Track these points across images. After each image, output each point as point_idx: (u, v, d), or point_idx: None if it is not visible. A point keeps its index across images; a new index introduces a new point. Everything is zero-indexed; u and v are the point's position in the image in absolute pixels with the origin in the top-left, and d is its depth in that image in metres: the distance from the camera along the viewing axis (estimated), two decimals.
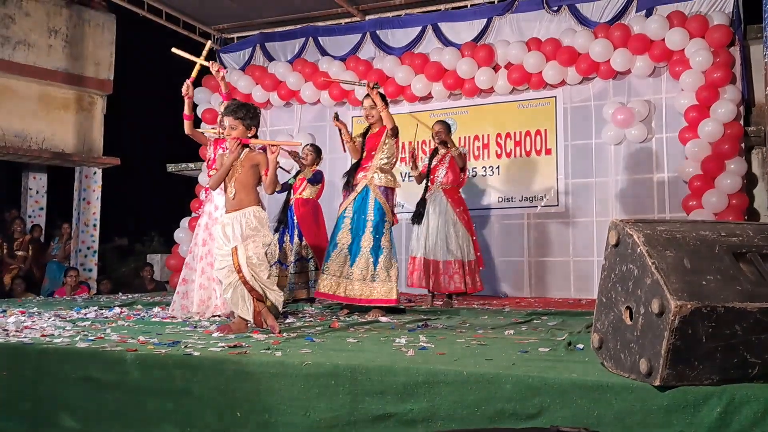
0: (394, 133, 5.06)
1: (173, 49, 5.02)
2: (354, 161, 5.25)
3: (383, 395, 2.46)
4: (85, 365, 3.02)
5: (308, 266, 6.10)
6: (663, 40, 7.14)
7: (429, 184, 6.07)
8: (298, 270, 6.06)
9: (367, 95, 5.13)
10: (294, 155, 6.15)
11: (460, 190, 6.25)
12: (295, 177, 6.29)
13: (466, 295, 6.30)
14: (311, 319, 4.70)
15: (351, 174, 5.16)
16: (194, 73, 5.00)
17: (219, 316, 4.74)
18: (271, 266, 5.79)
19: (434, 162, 6.12)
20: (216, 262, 3.93)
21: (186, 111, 5.02)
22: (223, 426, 2.68)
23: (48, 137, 9.48)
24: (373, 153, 5.10)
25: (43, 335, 3.57)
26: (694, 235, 2.28)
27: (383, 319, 4.66)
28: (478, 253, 6.17)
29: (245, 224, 3.83)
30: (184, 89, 4.97)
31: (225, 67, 9.38)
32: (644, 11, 7.49)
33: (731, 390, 2.07)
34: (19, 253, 9.66)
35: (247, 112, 3.92)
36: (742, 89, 7.00)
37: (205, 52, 5.00)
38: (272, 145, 3.92)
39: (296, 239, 6.07)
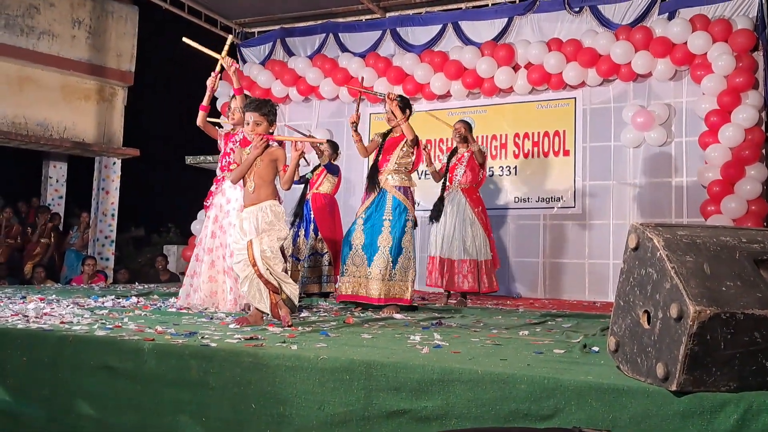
0: (413, 144, 5.08)
1: (184, 39, 5.03)
2: (372, 163, 5.24)
3: (398, 392, 2.47)
4: (103, 353, 3.04)
5: (322, 261, 6.13)
6: (685, 43, 7.08)
7: (447, 183, 6.07)
8: (312, 264, 6.09)
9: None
10: (317, 149, 6.21)
11: (479, 189, 6.24)
12: (312, 171, 6.32)
13: (480, 294, 6.29)
14: (326, 314, 4.72)
15: (373, 176, 5.15)
16: (218, 68, 5.03)
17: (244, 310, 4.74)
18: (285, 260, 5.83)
19: (453, 161, 6.12)
20: (234, 255, 3.96)
21: (204, 102, 5.05)
22: (237, 418, 2.70)
23: (69, 127, 9.58)
24: (389, 156, 5.11)
25: (62, 322, 3.61)
26: (714, 241, 2.27)
27: (398, 316, 4.67)
28: (494, 253, 6.16)
29: (261, 218, 3.88)
30: (210, 81, 5.00)
31: (245, 61, 9.44)
32: (667, 14, 7.44)
33: (749, 397, 2.05)
34: (42, 240, 9.80)
35: (270, 109, 3.97)
36: (764, 94, 6.93)
37: (226, 48, 5.01)
38: (297, 142, 3.95)
39: (311, 233, 6.11)
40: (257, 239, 3.83)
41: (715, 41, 6.96)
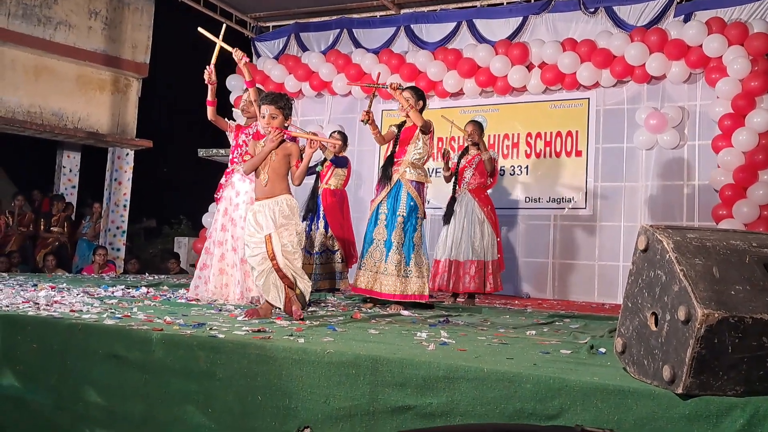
0: (425, 130, 5.05)
1: (199, 29, 5.04)
2: (388, 154, 5.22)
3: (403, 387, 2.48)
4: (112, 342, 3.07)
5: (334, 258, 6.12)
6: (700, 46, 7.03)
7: (457, 185, 6.06)
8: (323, 261, 6.09)
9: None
10: (321, 146, 6.19)
11: (488, 190, 6.23)
12: (322, 164, 6.32)
13: (486, 294, 6.28)
14: (333, 309, 4.74)
15: (387, 168, 5.14)
16: (214, 58, 5.01)
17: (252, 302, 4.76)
18: None
19: (463, 162, 6.10)
20: (247, 249, 3.93)
21: (209, 97, 5.06)
22: (243, 409, 2.72)
23: (83, 117, 9.64)
24: (406, 147, 5.09)
25: (72, 310, 3.64)
26: (724, 244, 2.26)
27: (405, 312, 4.67)
28: (500, 255, 6.15)
29: (278, 212, 3.87)
30: (206, 76, 5.00)
31: (259, 55, 9.46)
32: (683, 16, 7.39)
33: (755, 402, 2.04)
34: (55, 229, 9.88)
35: (286, 102, 3.98)
36: None
37: (222, 34, 4.97)
38: (312, 140, 3.96)
39: (321, 229, 6.10)
40: (276, 233, 3.83)
41: (730, 44, 6.90)
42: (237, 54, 4.89)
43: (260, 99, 4.14)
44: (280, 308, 3.87)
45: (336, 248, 6.09)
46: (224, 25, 5.12)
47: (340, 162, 6.21)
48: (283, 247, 3.81)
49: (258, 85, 5.23)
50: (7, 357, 3.32)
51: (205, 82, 5.02)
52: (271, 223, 3.84)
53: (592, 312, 5.60)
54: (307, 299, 3.97)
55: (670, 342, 2.14)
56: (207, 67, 4.99)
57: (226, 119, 5.33)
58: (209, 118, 5.12)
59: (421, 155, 5.09)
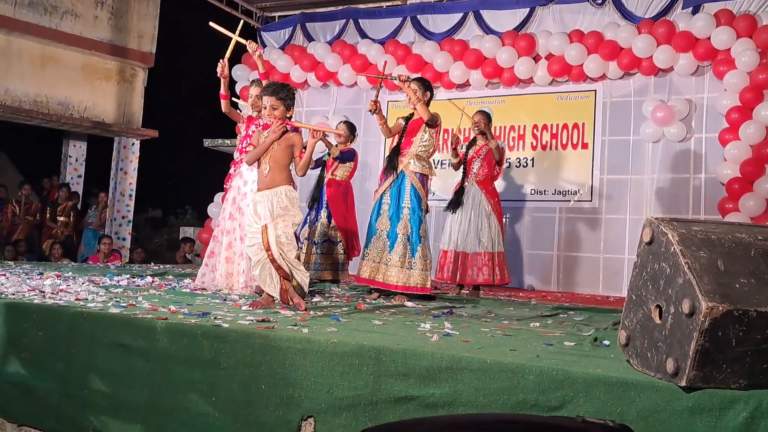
0: (431, 124, 5.05)
1: (211, 23, 5.06)
2: (394, 144, 5.22)
3: (406, 378, 2.48)
4: (117, 330, 3.09)
5: (336, 249, 6.12)
6: (708, 38, 6.99)
7: (465, 175, 6.05)
8: (325, 251, 6.09)
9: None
10: (325, 140, 6.18)
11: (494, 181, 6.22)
12: (328, 154, 6.30)
13: (494, 286, 6.29)
14: (338, 299, 4.74)
15: (393, 158, 5.14)
16: (229, 52, 5.03)
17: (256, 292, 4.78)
18: (300, 246, 5.85)
19: (471, 153, 6.09)
20: (246, 239, 3.99)
21: (222, 91, 5.09)
22: (247, 398, 2.73)
23: (89, 106, 9.64)
24: (412, 139, 5.09)
25: (77, 299, 3.66)
26: (729, 237, 2.25)
27: (409, 303, 4.68)
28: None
29: (276, 203, 3.89)
30: (219, 69, 5.02)
31: (265, 46, 9.45)
32: (691, 8, 7.33)
33: (759, 395, 2.04)
34: (61, 218, 9.93)
35: (288, 93, 3.98)
36: None
37: (239, 30, 5.01)
38: (315, 130, 3.97)
39: (324, 219, 6.10)
40: (272, 224, 3.85)
41: (739, 37, 6.86)
42: (251, 46, 4.93)
43: (261, 90, 4.14)
44: (278, 298, 3.89)
45: (338, 239, 6.09)
46: (241, 21, 5.14)
47: (346, 157, 6.19)
48: (277, 238, 3.83)
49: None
50: (13, 344, 3.34)
51: (218, 75, 5.04)
52: (268, 214, 3.86)
53: (597, 304, 5.60)
54: (306, 291, 3.99)
55: (674, 335, 2.13)
56: (221, 60, 5.01)
57: (238, 110, 5.34)
58: (223, 111, 5.16)
59: (426, 147, 5.09)
